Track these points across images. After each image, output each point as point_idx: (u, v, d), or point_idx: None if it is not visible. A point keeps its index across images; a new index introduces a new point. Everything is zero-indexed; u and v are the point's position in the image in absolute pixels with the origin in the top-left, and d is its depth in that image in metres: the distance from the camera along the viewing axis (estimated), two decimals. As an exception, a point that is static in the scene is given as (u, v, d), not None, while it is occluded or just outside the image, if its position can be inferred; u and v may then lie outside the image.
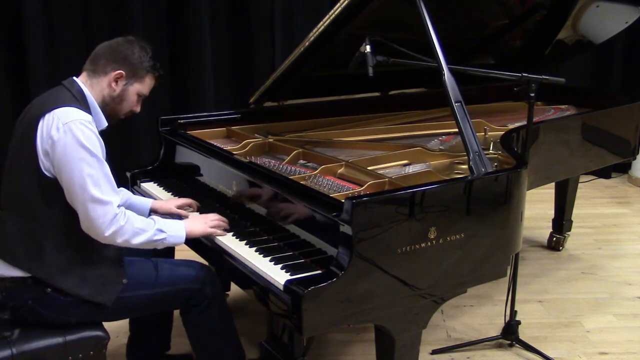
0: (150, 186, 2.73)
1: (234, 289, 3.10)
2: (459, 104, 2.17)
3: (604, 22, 3.45)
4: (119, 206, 1.92)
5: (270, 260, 1.95)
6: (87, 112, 1.92)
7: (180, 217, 2.32)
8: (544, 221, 4.08)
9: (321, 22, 2.49)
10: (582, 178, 3.85)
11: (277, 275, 1.85)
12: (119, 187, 2.38)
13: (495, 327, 2.88)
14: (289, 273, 1.85)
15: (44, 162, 1.87)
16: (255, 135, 2.85)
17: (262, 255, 2.00)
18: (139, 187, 2.75)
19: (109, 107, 2.05)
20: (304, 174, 2.31)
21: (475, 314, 3.07)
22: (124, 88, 2.04)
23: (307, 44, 2.56)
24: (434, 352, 2.71)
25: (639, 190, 5.12)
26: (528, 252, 3.79)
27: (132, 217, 1.94)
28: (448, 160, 2.55)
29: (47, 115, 1.87)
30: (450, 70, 2.21)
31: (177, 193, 2.61)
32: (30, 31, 4.32)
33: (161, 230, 2.00)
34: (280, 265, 1.90)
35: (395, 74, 3.06)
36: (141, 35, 2.26)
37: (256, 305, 2.26)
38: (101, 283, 1.97)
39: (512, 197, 2.10)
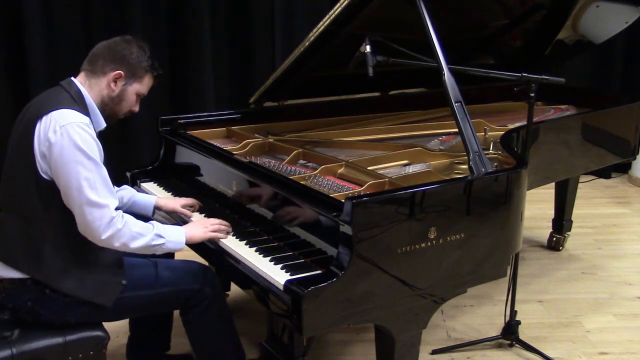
0: (150, 186, 2.73)
1: (234, 289, 3.10)
2: (459, 104, 2.17)
3: (604, 22, 3.45)
4: (117, 208, 1.91)
5: (270, 260, 1.95)
6: (84, 114, 1.91)
7: (182, 219, 2.31)
8: (544, 221, 4.08)
9: (321, 22, 2.49)
10: (582, 178, 3.85)
11: (277, 275, 1.85)
12: (120, 185, 2.39)
13: (495, 327, 2.88)
14: (289, 273, 1.85)
15: (41, 165, 1.87)
16: (255, 135, 2.85)
17: (262, 255, 2.00)
18: (139, 187, 2.75)
19: (108, 107, 2.04)
20: (304, 174, 2.31)
21: (475, 314, 3.07)
22: (122, 88, 2.03)
23: (307, 44, 2.56)
24: (434, 352, 2.71)
25: (639, 190, 5.12)
26: (528, 252, 3.79)
27: (130, 221, 1.93)
28: (448, 160, 2.55)
29: (44, 118, 1.86)
30: (450, 70, 2.21)
31: (177, 193, 2.61)
32: (30, 31, 4.32)
33: (160, 236, 1.99)
34: (280, 265, 1.90)
35: (395, 74, 3.06)
36: (141, 35, 2.26)
37: (256, 305, 2.26)
38: (100, 284, 1.96)
39: (512, 197, 2.10)
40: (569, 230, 3.83)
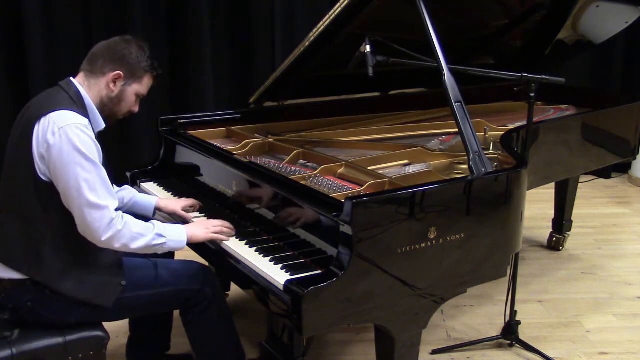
0: (150, 186, 2.73)
1: (234, 289, 3.10)
2: (459, 104, 2.17)
3: (604, 22, 3.45)
4: (117, 209, 1.91)
5: (270, 260, 1.95)
6: (83, 115, 1.90)
7: (183, 220, 2.31)
8: (544, 221, 4.08)
9: (321, 22, 2.49)
10: (582, 178, 3.85)
11: (277, 275, 1.85)
12: (121, 185, 2.39)
13: (495, 327, 2.88)
14: (289, 273, 1.85)
15: (40, 166, 1.86)
16: (255, 135, 2.85)
17: (262, 255, 2.00)
18: (139, 187, 2.75)
19: (107, 108, 2.03)
20: (304, 174, 2.31)
21: (475, 314, 3.07)
22: (122, 89, 2.02)
23: (307, 44, 2.56)
24: (434, 352, 2.71)
25: (639, 190, 5.12)
26: (528, 252, 3.79)
27: (130, 221, 1.93)
28: (448, 160, 2.55)
29: (42, 119, 1.85)
30: (450, 70, 2.21)
31: (177, 193, 2.61)
32: (30, 31, 4.32)
33: (161, 235, 1.98)
34: (280, 265, 1.90)
35: (395, 74, 3.06)
36: (141, 35, 2.25)
37: (256, 305, 2.26)
38: (100, 285, 1.96)
39: (512, 197, 2.10)
40: (569, 230, 3.83)
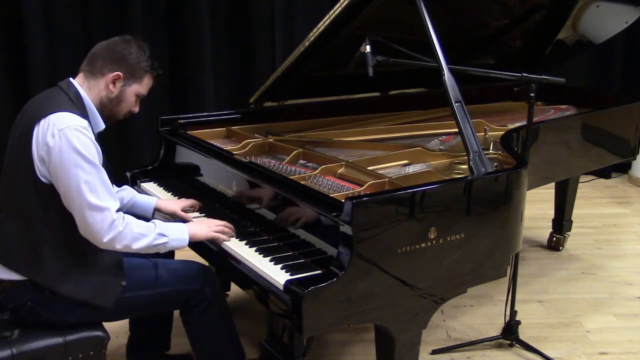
0: (150, 186, 2.73)
1: (234, 289, 3.10)
2: (459, 104, 2.17)
3: (604, 22, 3.45)
4: (118, 210, 1.90)
5: (270, 260, 1.95)
6: (83, 117, 1.89)
7: (184, 220, 2.31)
8: (544, 221, 4.08)
9: (321, 22, 2.49)
10: (582, 178, 3.85)
11: (277, 275, 1.85)
12: (120, 186, 2.38)
13: (495, 327, 2.88)
14: (289, 273, 1.85)
15: (39, 168, 1.85)
16: (255, 135, 2.85)
17: (262, 255, 2.00)
18: (139, 187, 2.75)
19: (107, 108, 2.02)
20: (304, 174, 2.31)
21: (475, 314, 3.07)
22: (122, 89, 2.01)
23: (307, 44, 2.56)
24: (434, 352, 2.71)
25: (639, 190, 5.12)
26: (528, 252, 3.79)
27: (131, 222, 1.93)
28: (448, 160, 2.55)
29: (42, 121, 1.84)
30: (450, 70, 2.21)
31: (177, 193, 2.61)
32: (30, 31, 4.31)
33: (162, 234, 1.98)
34: (280, 265, 1.90)
35: (395, 74, 3.06)
36: (141, 35, 2.25)
37: (256, 305, 2.26)
38: (100, 286, 1.96)
39: (512, 197, 2.10)
40: (569, 230, 3.83)
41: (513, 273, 2.57)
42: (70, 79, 2.00)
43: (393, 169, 2.48)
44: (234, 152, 2.52)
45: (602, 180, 5.32)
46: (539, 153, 2.80)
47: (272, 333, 2.44)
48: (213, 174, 2.50)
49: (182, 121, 2.83)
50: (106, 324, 2.04)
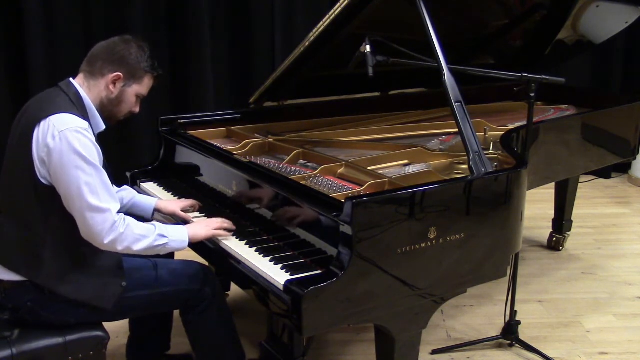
0: (150, 186, 2.73)
1: (234, 289, 3.10)
2: (459, 104, 2.17)
3: (604, 22, 3.45)
4: (118, 212, 1.90)
5: (270, 260, 1.95)
6: (83, 118, 1.89)
7: (184, 220, 2.31)
8: (544, 221, 4.08)
9: (321, 22, 2.49)
10: (582, 178, 3.85)
11: (277, 275, 1.85)
12: (120, 186, 2.38)
13: (495, 327, 2.88)
14: (289, 273, 1.85)
15: (40, 170, 1.85)
16: (255, 135, 2.85)
17: (262, 255, 2.00)
18: (139, 187, 2.75)
19: (107, 109, 2.02)
20: (304, 174, 2.31)
21: (475, 314, 3.07)
22: (122, 90, 2.01)
23: (307, 44, 2.56)
24: (434, 352, 2.71)
25: (639, 190, 5.12)
26: (528, 252, 3.79)
27: (132, 223, 1.92)
28: (448, 160, 2.55)
29: (42, 123, 1.84)
30: (450, 70, 2.21)
31: (177, 193, 2.61)
32: (30, 31, 4.31)
33: (162, 236, 1.98)
34: (280, 265, 1.90)
35: (395, 74, 3.06)
36: (141, 35, 2.24)
37: (256, 305, 2.26)
38: (101, 287, 1.95)
39: (512, 197, 2.10)
40: (569, 230, 3.83)
41: (513, 273, 2.57)
42: (71, 79, 1.99)
43: (393, 169, 2.48)
44: (234, 152, 2.52)
45: (602, 180, 5.32)
46: (539, 153, 2.80)
47: (272, 333, 2.44)
48: (213, 174, 2.50)
49: (182, 121, 2.83)
50: (106, 324, 2.04)
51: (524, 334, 2.75)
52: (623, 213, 4.60)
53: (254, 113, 3.01)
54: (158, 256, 2.14)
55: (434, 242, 1.89)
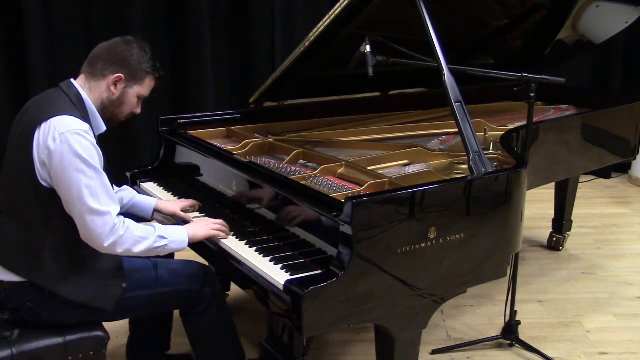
0: (150, 186, 2.73)
1: (234, 289, 3.10)
2: (459, 104, 2.17)
3: (604, 22, 3.45)
4: (119, 214, 1.90)
5: (270, 260, 1.95)
6: (84, 120, 1.88)
7: (184, 221, 2.31)
8: (544, 221, 4.08)
9: (321, 22, 2.49)
10: (582, 178, 3.85)
11: (277, 275, 1.85)
12: (120, 186, 2.38)
13: (495, 327, 2.88)
14: (289, 273, 1.85)
15: (40, 172, 1.84)
16: (255, 135, 2.85)
17: (262, 255, 2.00)
18: (139, 187, 2.75)
19: (109, 110, 2.01)
20: (304, 174, 2.31)
21: (475, 314, 3.07)
22: (123, 91, 2.00)
23: (307, 44, 2.56)
24: (434, 352, 2.71)
25: (639, 190, 5.12)
26: (528, 252, 3.79)
27: (131, 225, 1.92)
28: (448, 160, 2.55)
29: (43, 125, 1.83)
30: (450, 70, 2.21)
31: (177, 193, 2.61)
32: (30, 31, 4.31)
33: (162, 237, 1.98)
34: (280, 265, 1.90)
35: (395, 74, 3.06)
36: (141, 35, 2.24)
37: (256, 305, 2.26)
38: (100, 289, 1.95)
39: (512, 197, 2.10)
40: (569, 230, 3.83)
41: (513, 273, 2.57)
42: (72, 80, 1.99)
43: (393, 169, 2.48)
44: (234, 152, 2.52)
45: (602, 180, 5.32)
46: (539, 153, 2.80)
47: (272, 333, 2.44)
48: (213, 174, 2.50)
49: (182, 121, 2.83)
50: (106, 324, 2.04)
51: (524, 334, 2.75)
52: (623, 213, 4.60)
53: (254, 113, 3.01)
54: (158, 256, 2.14)
55: (434, 242, 1.89)
